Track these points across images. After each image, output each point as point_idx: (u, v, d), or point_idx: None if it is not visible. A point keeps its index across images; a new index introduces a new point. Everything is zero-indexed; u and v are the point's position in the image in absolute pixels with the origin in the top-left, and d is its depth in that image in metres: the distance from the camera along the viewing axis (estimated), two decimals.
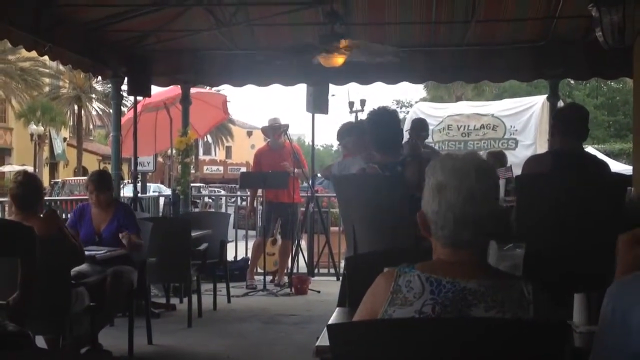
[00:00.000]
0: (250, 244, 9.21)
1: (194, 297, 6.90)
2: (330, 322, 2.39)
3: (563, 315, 2.29)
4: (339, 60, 6.89)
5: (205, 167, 49.53)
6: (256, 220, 9.60)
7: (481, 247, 1.96)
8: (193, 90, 9.54)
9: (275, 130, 9.07)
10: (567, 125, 4.24)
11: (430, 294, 1.86)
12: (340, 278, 7.68)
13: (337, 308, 2.83)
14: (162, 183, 35.17)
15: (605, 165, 4.37)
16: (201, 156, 49.06)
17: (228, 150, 58.96)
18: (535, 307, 1.86)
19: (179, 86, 9.12)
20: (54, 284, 4.44)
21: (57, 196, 28.31)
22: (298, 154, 9.07)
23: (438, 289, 1.86)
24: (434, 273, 1.89)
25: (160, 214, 10.26)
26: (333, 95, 9.40)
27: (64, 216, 8.65)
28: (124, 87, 8.36)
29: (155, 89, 8.59)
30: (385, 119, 4.78)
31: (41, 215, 4.66)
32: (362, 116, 23.31)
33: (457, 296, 1.85)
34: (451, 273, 1.88)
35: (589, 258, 3.64)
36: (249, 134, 57.47)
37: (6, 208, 7.86)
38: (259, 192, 9.24)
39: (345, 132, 6.91)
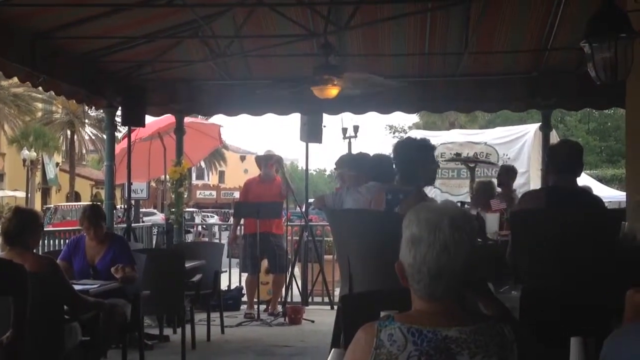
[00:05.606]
0: (245, 274, 9.19)
1: (188, 328, 6.86)
2: None
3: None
4: (332, 91, 6.90)
5: (198, 192, 49.53)
6: (240, 251, 9.49)
7: (458, 295, 1.96)
8: (187, 119, 9.55)
9: (267, 160, 9.07)
10: (561, 162, 4.25)
11: (413, 344, 1.86)
12: (335, 309, 7.63)
13: (333, 350, 2.80)
14: (154, 208, 35.09)
15: (599, 202, 4.38)
16: (194, 181, 49.05)
17: (221, 175, 58.96)
18: (519, 344, 1.88)
19: (173, 115, 9.14)
20: (47, 320, 4.41)
21: (50, 221, 28.29)
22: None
23: (420, 339, 1.86)
24: (414, 323, 1.90)
25: (154, 243, 10.20)
26: (325, 126, 9.41)
27: (57, 244, 8.54)
28: (119, 112, 8.33)
29: (149, 119, 8.60)
30: (405, 148, 4.79)
31: (34, 251, 4.64)
32: (355, 142, 23.36)
33: (440, 345, 1.85)
34: (431, 323, 1.89)
35: (585, 297, 3.64)
36: (242, 158, 57.51)
37: None
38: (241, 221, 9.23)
39: (346, 163, 6.65)
